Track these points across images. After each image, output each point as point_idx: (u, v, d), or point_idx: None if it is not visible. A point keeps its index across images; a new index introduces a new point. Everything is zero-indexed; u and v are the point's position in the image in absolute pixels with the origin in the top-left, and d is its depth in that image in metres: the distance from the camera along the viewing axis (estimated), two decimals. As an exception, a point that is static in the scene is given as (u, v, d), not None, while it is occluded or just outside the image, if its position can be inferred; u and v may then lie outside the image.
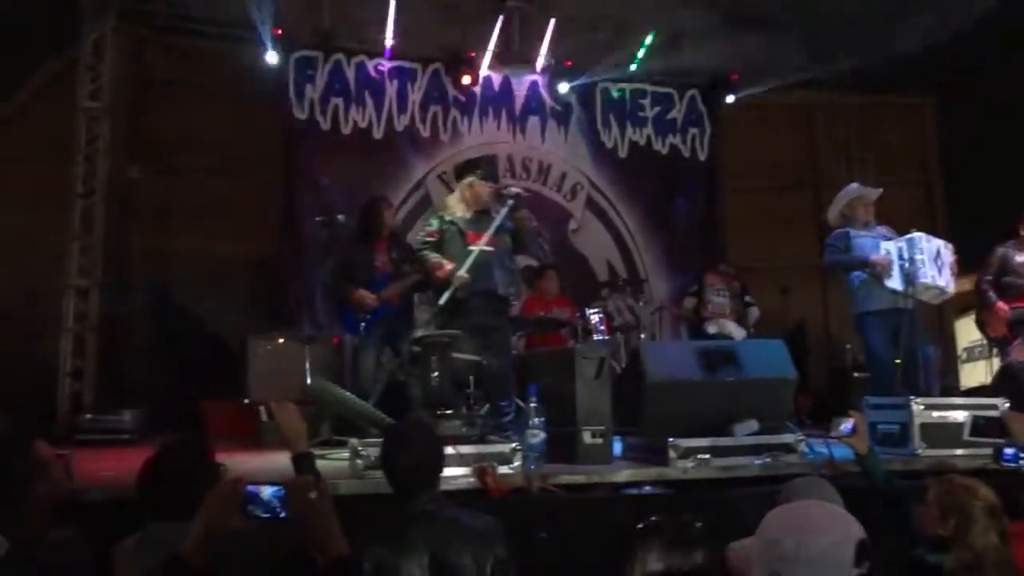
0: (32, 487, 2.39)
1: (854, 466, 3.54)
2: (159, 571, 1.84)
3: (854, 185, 5.88)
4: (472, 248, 4.93)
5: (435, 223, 5.21)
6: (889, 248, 5.33)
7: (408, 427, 2.80)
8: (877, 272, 5.32)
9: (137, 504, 2.34)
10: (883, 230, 5.65)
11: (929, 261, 5.24)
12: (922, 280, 5.19)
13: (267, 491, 1.84)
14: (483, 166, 5.35)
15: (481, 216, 5.12)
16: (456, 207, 5.18)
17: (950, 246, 5.41)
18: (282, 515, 1.83)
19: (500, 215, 5.01)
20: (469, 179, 5.19)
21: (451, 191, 7.89)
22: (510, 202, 5.02)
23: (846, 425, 3.39)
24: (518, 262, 5.47)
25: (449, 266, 4.93)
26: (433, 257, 5.05)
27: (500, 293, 5.08)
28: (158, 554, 2.16)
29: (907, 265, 5.21)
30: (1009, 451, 3.46)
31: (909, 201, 8.76)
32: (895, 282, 5.25)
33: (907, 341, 5.22)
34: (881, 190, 5.77)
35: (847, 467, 3.89)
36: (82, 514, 3.17)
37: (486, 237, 4.95)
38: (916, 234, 5.30)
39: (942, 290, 5.33)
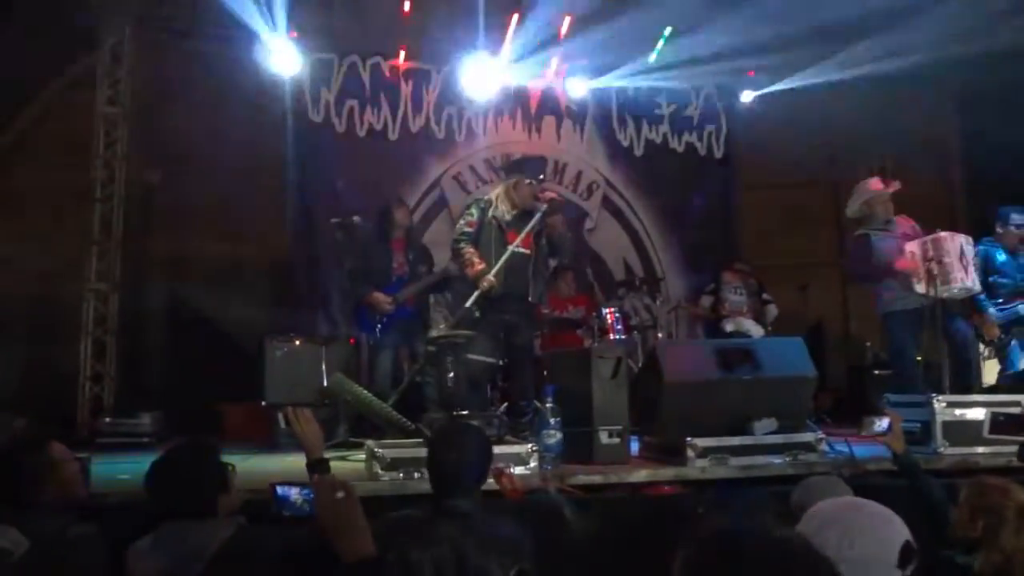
0: (44, 487, 2.46)
1: (885, 464, 3.46)
2: None
3: (874, 180, 5.80)
4: (508, 247, 4.89)
5: (475, 213, 5.14)
6: (914, 250, 5.25)
7: (459, 427, 2.81)
8: (905, 280, 5.25)
9: (148, 505, 2.37)
10: (904, 223, 5.58)
11: (956, 262, 5.16)
12: (952, 284, 5.12)
13: (295, 491, 1.85)
14: (529, 167, 5.31)
15: (523, 216, 5.07)
16: (501, 203, 5.13)
17: (970, 240, 5.34)
18: (310, 513, 1.83)
19: (534, 219, 4.98)
20: (515, 178, 5.17)
21: (467, 192, 8.00)
22: (543, 207, 4.98)
23: (881, 423, 3.33)
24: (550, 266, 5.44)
25: (480, 266, 4.90)
26: (468, 251, 4.99)
27: (531, 299, 5.07)
28: (171, 554, 2.18)
29: (935, 268, 5.13)
30: None
31: (929, 197, 8.66)
32: (922, 286, 5.17)
33: (931, 339, 5.16)
34: (899, 184, 5.69)
35: (868, 466, 3.85)
36: (100, 517, 3.20)
37: (520, 238, 4.91)
38: (941, 233, 5.22)
39: (969, 289, 5.27)
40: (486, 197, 5.30)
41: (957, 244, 5.21)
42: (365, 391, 4.75)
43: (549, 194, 5.15)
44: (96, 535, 2.43)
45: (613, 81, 8.50)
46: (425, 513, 2.47)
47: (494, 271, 4.81)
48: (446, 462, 2.52)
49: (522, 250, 4.93)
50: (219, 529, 2.24)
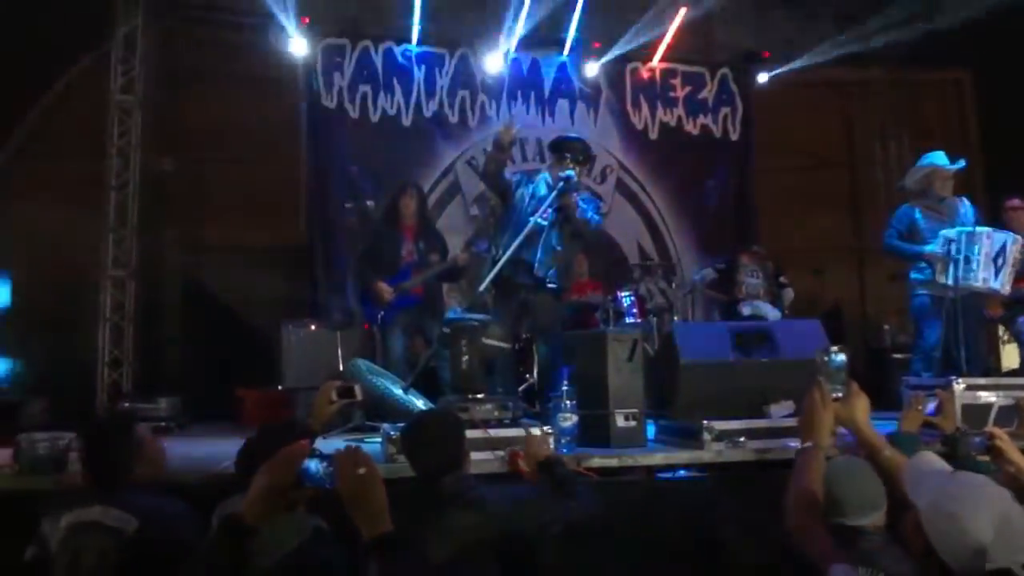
0: (133, 467, 2.61)
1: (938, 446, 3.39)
2: (215, 531, 1.87)
3: (939, 155, 5.63)
4: (531, 220, 4.83)
5: (514, 178, 5.23)
6: (951, 237, 5.17)
7: (427, 421, 2.78)
8: (931, 266, 5.23)
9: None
10: (958, 204, 5.49)
11: (986, 261, 5.07)
12: (970, 283, 5.07)
13: (316, 463, 1.86)
14: (564, 146, 5.21)
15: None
16: (542, 183, 5.14)
17: (1019, 240, 5.22)
18: (328, 486, 1.84)
19: (551, 196, 4.91)
20: (552, 158, 5.19)
21: (480, 177, 8.00)
22: (560, 184, 4.89)
23: (930, 405, 3.27)
24: (571, 245, 5.21)
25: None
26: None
27: (535, 271, 4.97)
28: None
29: (961, 263, 5.07)
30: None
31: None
32: (947, 278, 5.13)
33: (954, 324, 5.11)
34: (963, 163, 5.55)
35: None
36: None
37: (541, 211, 4.85)
38: (979, 229, 5.12)
39: (993, 290, 5.20)
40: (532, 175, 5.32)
41: (997, 243, 5.10)
42: (380, 380, 4.75)
43: (566, 172, 4.97)
44: (191, 511, 2.53)
45: (627, 64, 8.47)
46: (420, 499, 2.49)
47: (518, 240, 4.72)
48: (420, 457, 2.58)
49: (541, 221, 4.86)
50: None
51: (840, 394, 2.44)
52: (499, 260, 4.69)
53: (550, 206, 4.88)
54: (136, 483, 2.57)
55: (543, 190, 5.07)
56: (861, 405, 2.42)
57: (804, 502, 2.26)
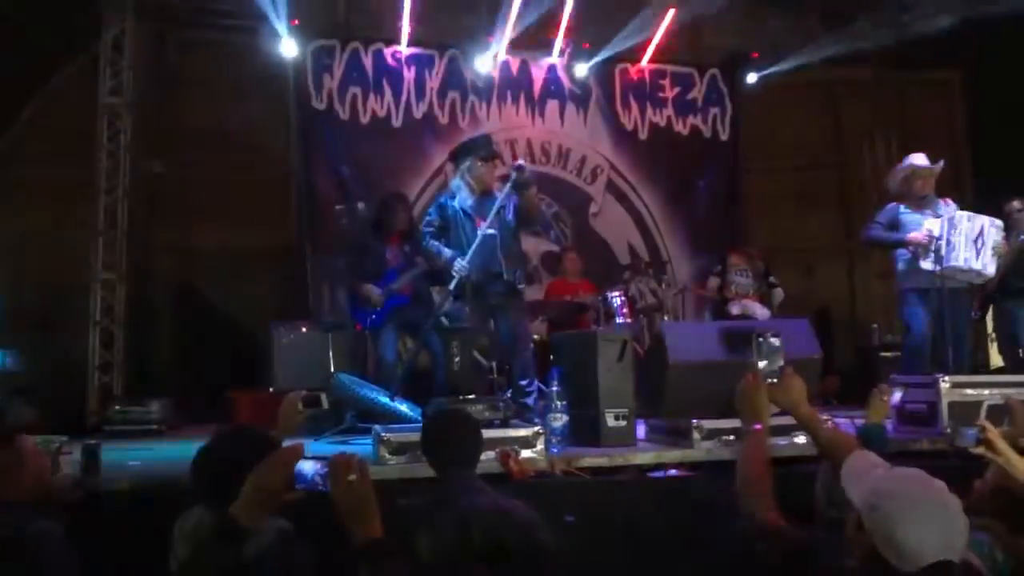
0: (12, 482, 2.41)
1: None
2: (208, 531, 1.86)
3: (918, 156, 5.70)
4: (479, 232, 4.79)
5: (434, 214, 5.14)
6: (932, 227, 5.23)
7: (445, 418, 2.89)
8: (914, 252, 5.27)
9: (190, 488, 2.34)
10: (942, 204, 5.54)
11: (966, 243, 5.12)
12: (952, 263, 5.10)
13: (311, 465, 1.86)
14: (480, 147, 5.19)
15: (485, 198, 4.98)
16: (461, 192, 5.07)
17: (997, 223, 5.27)
18: (322, 489, 1.85)
19: (502, 193, 4.88)
20: (467, 162, 5.07)
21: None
22: (513, 174, 4.83)
23: (894, 397, 3.29)
24: (526, 244, 5.24)
25: (448, 253, 4.91)
26: (432, 244, 5.03)
27: (505, 277, 4.95)
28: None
29: (943, 248, 5.11)
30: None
31: (936, 179, 8.62)
32: (928, 263, 5.17)
33: (941, 321, 5.15)
34: (942, 163, 5.61)
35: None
36: (109, 503, 3.24)
37: (489, 219, 4.79)
38: (958, 213, 5.21)
39: (979, 272, 5.23)
40: (445, 194, 5.27)
41: (976, 225, 5.16)
42: (364, 390, 4.77)
43: (517, 162, 4.97)
44: (56, 531, 2.33)
45: (616, 64, 8.49)
46: (428, 498, 2.52)
47: (471, 254, 4.73)
48: (438, 452, 2.68)
49: (490, 231, 4.82)
50: None
51: (775, 379, 2.47)
52: (459, 274, 4.69)
53: (503, 205, 4.85)
54: (15, 499, 2.39)
55: (467, 197, 5.02)
56: (796, 386, 2.45)
57: (756, 485, 2.27)
